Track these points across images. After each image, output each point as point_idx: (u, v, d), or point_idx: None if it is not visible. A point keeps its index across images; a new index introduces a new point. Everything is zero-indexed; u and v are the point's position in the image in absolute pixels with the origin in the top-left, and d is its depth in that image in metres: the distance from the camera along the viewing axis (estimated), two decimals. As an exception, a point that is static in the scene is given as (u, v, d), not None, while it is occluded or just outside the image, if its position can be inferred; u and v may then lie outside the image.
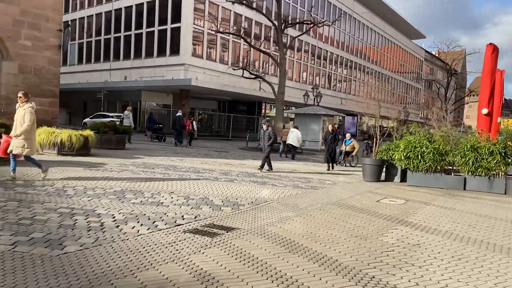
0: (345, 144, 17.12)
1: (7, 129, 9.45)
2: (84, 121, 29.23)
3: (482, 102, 12.47)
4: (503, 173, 10.84)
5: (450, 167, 11.72)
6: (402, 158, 11.59)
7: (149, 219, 5.86)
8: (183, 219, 6.00)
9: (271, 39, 35.37)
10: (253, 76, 24.37)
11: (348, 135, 17.82)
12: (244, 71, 24.51)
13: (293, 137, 18.18)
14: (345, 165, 16.79)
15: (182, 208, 6.69)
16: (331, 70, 47.99)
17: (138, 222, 5.66)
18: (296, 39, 40.46)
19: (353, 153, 16.96)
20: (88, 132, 12.32)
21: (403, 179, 12.47)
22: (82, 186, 7.77)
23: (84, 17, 38.26)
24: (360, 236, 5.64)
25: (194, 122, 22.20)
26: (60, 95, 15.94)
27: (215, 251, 4.64)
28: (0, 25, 14.55)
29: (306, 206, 7.60)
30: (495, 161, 10.64)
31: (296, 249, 4.88)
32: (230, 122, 32.21)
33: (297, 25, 35.63)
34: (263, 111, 38.16)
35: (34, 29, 15.46)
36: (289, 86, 39.31)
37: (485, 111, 12.33)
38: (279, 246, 4.98)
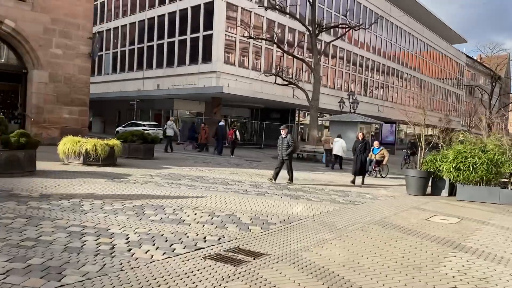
0: (373, 153, 15.65)
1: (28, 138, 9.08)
2: (117, 129, 29.34)
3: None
4: None
5: (506, 180, 10.47)
6: (451, 169, 10.46)
7: (166, 240, 5.17)
8: (205, 241, 5.28)
9: (305, 46, 34.56)
10: (286, 83, 23.60)
11: (376, 143, 16.39)
12: (277, 77, 23.78)
13: (338, 147, 17.69)
14: (376, 176, 15.56)
15: (205, 227, 5.98)
16: (367, 76, 46.52)
17: (154, 244, 4.98)
18: (331, 44, 39.48)
19: (384, 162, 15.66)
20: (114, 142, 11.89)
21: (451, 192, 11.32)
22: (100, 200, 7.21)
23: (118, 27, 38.79)
24: (412, 266, 4.72)
25: (237, 131, 21.62)
26: (94, 104, 15.86)
27: (239, 284, 3.88)
28: (31, 34, 14.56)
29: (345, 225, 6.72)
30: (562, 174, 9.36)
31: (337, 284, 4.04)
32: (262, 130, 31.50)
33: (332, 31, 34.72)
34: (296, 118, 37.25)
35: (65, 37, 15.42)
36: (323, 93, 38.27)
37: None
38: (315, 279, 4.16)
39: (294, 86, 25.16)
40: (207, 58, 28.78)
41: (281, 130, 11.78)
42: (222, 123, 22.07)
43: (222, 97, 28.42)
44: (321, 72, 39.79)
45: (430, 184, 11.50)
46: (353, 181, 12.45)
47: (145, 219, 6.17)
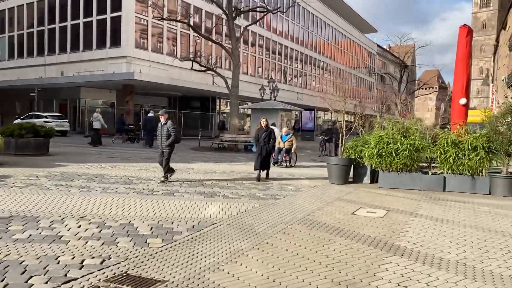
0: (282, 141, 14.40)
1: None
2: (14, 122, 25.90)
3: (458, 92, 11.15)
4: (486, 171, 9.52)
5: (427, 165, 10.28)
6: (373, 156, 10.02)
7: (24, 271, 3.78)
8: (82, 267, 3.97)
9: (223, 32, 33.32)
10: (203, 69, 22.26)
11: (285, 130, 15.18)
12: (194, 63, 22.33)
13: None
14: (286, 166, 14.30)
15: (88, 244, 4.64)
16: (286, 64, 46.64)
17: (3, 279, 3.57)
18: (250, 31, 38.78)
19: (292, 150, 14.41)
20: (-10, 136, 9.82)
21: (373, 179, 10.95)
22: (-51, 215, 5.50)
23: (14, 7, 34.37)
24: (346, 283, 3.84)
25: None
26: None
27: None
28: None
29: (266, 228, 5.75)
30: (478, 157, 9.28)
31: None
32: (181, 119, 29.86)
33: (250, 16, 33.91)
34: (217, 107, 36.07)
35: None
36: (244, 81, 37.48)
37: (463, 101, 11.01)
38: (224, 318, 3.08)
39: (214, 73, 23.92)
40: (116, 42, 26.37)
41: (160, 116, 9.73)
42: (151, 114, 21.49)
43: (134, 84, 26.29)
44: (241, 59, 38.99)
45: (352, 171, 11.05)
46: (258, 178, 10.41)
47: (7, 238, 4.67)
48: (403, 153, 9.76)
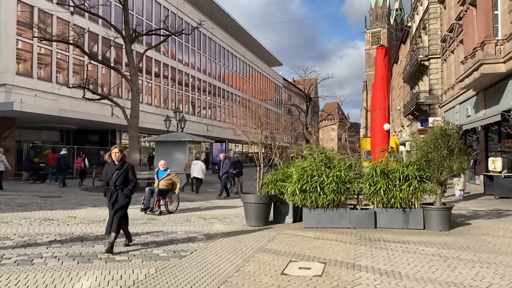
0: (157, 178, 11.08)
1: None
2: None
3: (379, 116, 10.30)
4: (419, 203, 8.56)
5: (354, 199, 9.08)
6: (297, 191, 8.57)
7: None
8: None
9: (123, 61, 30.78)
10: (96, 97, 19.60)
11: (162, 163, 11.31)
12: (87, 92, 19.60)
13: (198, 169, 17.23)
14: (160, 212, 10.56)
15: None
16: (194, 95, 45.02)
17: None
18: (154, 60, 36.65)
19: (176, 191, 11.08)
20: None
21: (296, 217, 9.51)
22: None
23: None
24: None
25: (86, 160, 21.42)
26: None
27: None
28: None
29: (161, 317, 3.77)
30: (411, 188, 8.28)
31: None
32: (73, 156, 26.25)
33: (153, 42, 31.87)
34: (117, 140, 32.85)
35: None
36: (149, 112, 34.93)
37: (387, 126, 10.17)
38: None
39: (112, 104, 21.32)
40: (-8, 67, 22.48)
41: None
42: (64, 152, 21.27)
43: (15, 116, 22.48)
44: (145, 90, 36.54)
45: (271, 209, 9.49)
46: (109, 249, 6.21)
47: None
48: (329, 187, 8.44)
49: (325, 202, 8.49)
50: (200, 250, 6.56)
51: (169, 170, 11.19)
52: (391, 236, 7.68)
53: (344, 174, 8.57)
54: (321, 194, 8.46)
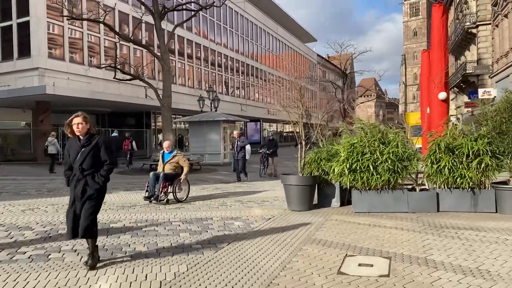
0: (162, 162, 9.41)
1: None
2: None
3: (436, 84, 8.99)
4: (490, 183, 7.32)
5: (412, 179, 7.94)
6: (345, 171, 7.52)
7: None
8: None
9: (154, 41, 30.13)
10: (128, 77, 19.05)
11: (167, 145, 9.55)
12: (117, 72, 19.07)
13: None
14: (165, 201, 8.98)
15: None
16: (228, 74, 44.14)
17: None
18: (186, 40, 35.88)
19: (182, 177, 9.19)
20: None
21: (344, 201, 8.49)
22: None
23: None
24: None
25: (133, 142, 21.31)
26: None
27: None
28: None
29: None
30: (482, 165, 7.05)
31: None
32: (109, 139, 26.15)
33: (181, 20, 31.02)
34: (152, 122, 32.63)
35: None
36: (183, 93, 34.45)
37: (442, 95, 8.88)
38: None
39: (146, 85, 20.76)
40: (25, 52, 22.37)
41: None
42: (115, 134, 21.71)
43: (49, 100, 22.38)
44: (178, 71, 35.97)
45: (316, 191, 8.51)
46: (93, 256, 4.67)
47: None
48: (383, 166, 7.34)
49: (379, 183, 7.40)
50: (238, 240, 5.70)
51: (175, 152, 9.49)
52: (459, 222, 6.54)
53: (402, 151, 7.43)
54: (374, 174, 7.38)
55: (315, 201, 8.48)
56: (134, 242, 5.57)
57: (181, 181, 9.22)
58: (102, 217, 7.14)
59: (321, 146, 9.33)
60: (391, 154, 7.33)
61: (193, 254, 4.99)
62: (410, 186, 7.84)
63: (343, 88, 59.00)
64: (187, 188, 9.63)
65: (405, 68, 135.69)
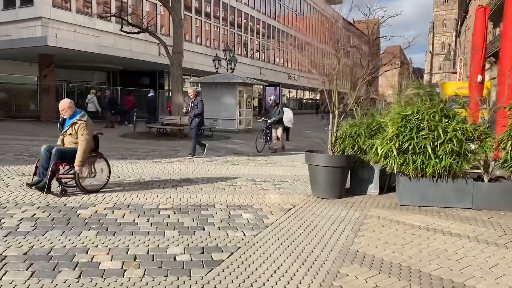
0: (60, 132, 6.13)
1: None
2: None
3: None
4: None
5: (480, 166, 6.02)
6: (394, 152, 5.66)
7: None
8: None
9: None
10: (136, 31, 17.12)
11: (64, 105, 5.98)
12: (125, 25, 17.16)
13: (285, 118, 14.31)
14: (61, 192, 5.74)
15: None
16: (247, 35, 41.60)
17: None
18: (204, -5, 33.41)
19: (76, 164, 5.78)
20: None
21: (383, 187, 6.69)
22: None
23: None
24: None
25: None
26: None
27: None
28: None
29: None
30: None
31: None
32: (116, 98, 24.52)
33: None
34: (166, 83, 30.85)
35: None
36: (198, 52, 32.45)
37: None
38: None
39: (160, 43, 18.79)
40: (28, -1, 20.56)
41: None
42: (151, 93, 21.62)
43: (52, 53, 20.70)
44: (193, 28, 33.70)
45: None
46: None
47: None
48: (445, 147, 5.45)
49: (438, 170, 5.54)
50: (243, 247, 3.98)
51: (77, 117, 5.93)
52: (555, 232, 4.68)
53: (472, 128, 5.50)
54: (432, 157, 5.50)
55: (347, 185, 6.70)
56: (94, 243, 3.91)
57: (78, 168, 5.77)
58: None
59: (357, 117, 7.45)
60: (458, 132, 5.41)
61: (173, 276, 3.29)
62: (476, 175, 5.95)
63: (369, 54, 55.78)
64: (105, 171, 6.33)
65: (433, 37, 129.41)
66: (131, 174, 7.70)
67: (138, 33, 17.26)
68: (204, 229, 4.55)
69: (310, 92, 64.49)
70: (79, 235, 4.17)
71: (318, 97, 67.25)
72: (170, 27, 29.00)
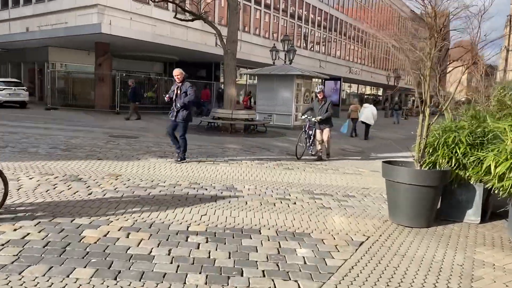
0: None
1: None
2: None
3: None
4: None
5: None
6: (514, 172, 3.98)
7: None
8: None
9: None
10: (190, 18, 16.13)
11: None
12: (180, 13, 16.25)
13: (368, 113, 15.36)
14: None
15: None
16: (308, 26, 39.70)
17: None
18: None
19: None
20: None
21: (486, 214, 5.01)
22: None
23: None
24: None
25: (252, 98, 20.39)
26: None
27: None
28: None
29: None
30: None
31: None
32: (162, 88, 23.97)
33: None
34: (222, 75, 29.95)
35: None
36: (254, 43, 31.25)
37: None
38: None
39: (216, 33, 17.76)
40: (85, -15, 20.31)
41: None
42: (222, 86, 21.47)
43: (107, 42, 20.35)
44: (252, 19, 32.53)
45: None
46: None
47: None
48: None
49: None
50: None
51: None
52: None
53: None
54: None
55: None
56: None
57: None
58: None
59: (448, 119, 5.77)
60: None
61: None
62: None
63: (434, 46, 51.60)
64: None
65: (510, 30, 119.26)
66: (167, 177, 6.55)
67: (192, 20, 16.27)
68: (242, 275, 3.21)
69: (372, 87, 61.35)
70: (67, 276, 2.99)
71: (380, 92, 63.88)
72: (228, 17, 28.06)
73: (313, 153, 9.99)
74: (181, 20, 16.32)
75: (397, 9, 60.97)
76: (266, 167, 8.09)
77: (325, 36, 42.95)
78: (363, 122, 15.49)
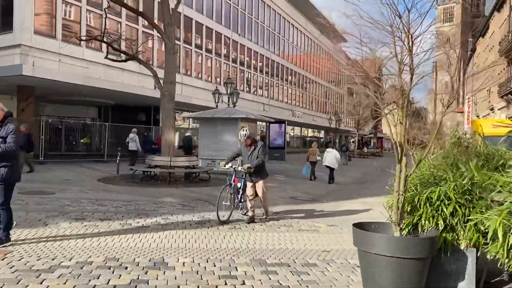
0: None
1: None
2: None
3: None
4: None
5: None
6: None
7: None
8: None
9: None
10: (123, 58, 14.83)
11: None
12: (113, 54, 14.95)
13: (331, 157, 15.47)
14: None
15: None
16: (250, 70, 39.68)
17: None
18: (205, 27, 31.68)
19: None
20: None
21: (478, 281, 4.00)
22: None
23: None
24: None
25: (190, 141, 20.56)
26: None
27: None
28: None
29: None
30: None
31: None
32: (105, 134, 22.07)
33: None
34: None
35: None
36: (196, 86, 30.36)
37: None
38: None
39: (154, 76, 16.54)
40: (8, 24, 18.46)
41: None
42: (188, 134, 21.32)
43: (34, 85, 18.41)
44: (193, 63, 31.73)
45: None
46: None
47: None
48: None
49: None
50: None
51: None
52: None
53: None
54: None
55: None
56: None
57: None
58: None
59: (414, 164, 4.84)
60: None
61: None
62: None
63: (373, 91, 53.89)
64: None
65: (436, 76, 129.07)
66: (77, 250, 5.03)
67: (126, 60, 14.96)
68: None
69: (314, 130, 62.27)
70: None
71: (322, 134, 65.03)
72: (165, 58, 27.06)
73: (243, 213, 8.03)
74: (113, 60, 15.00)
75: (335, 57, 63.56)
76: (207, 228, 6.75)
77: (267, 80, 43.19)
78: (327, 167, 15.56)
